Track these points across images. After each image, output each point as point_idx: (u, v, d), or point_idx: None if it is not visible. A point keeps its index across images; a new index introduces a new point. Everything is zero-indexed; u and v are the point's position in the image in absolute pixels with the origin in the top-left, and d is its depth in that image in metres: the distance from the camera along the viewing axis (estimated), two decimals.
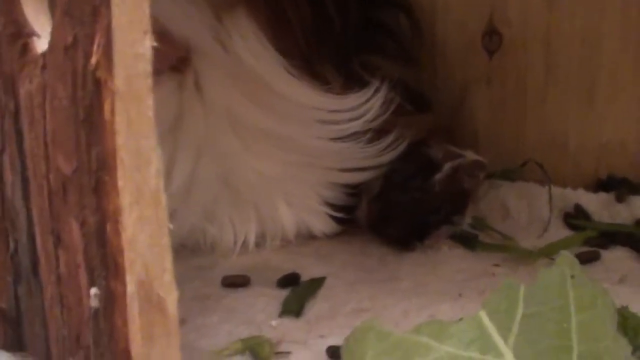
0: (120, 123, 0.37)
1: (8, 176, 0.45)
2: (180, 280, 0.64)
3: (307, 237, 0.72)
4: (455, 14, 0.82)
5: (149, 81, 0.37)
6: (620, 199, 0.73)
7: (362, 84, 0.71)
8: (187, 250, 0.70)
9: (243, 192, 0.69)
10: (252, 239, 0.70)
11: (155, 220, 0.39)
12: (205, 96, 0.65)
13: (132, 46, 0.36)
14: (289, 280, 0.63)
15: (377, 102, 0.70)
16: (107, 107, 0.36)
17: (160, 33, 0.63)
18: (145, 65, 0.37)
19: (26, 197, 0.44)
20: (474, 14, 0.81)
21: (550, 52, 0.77)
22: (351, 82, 0.72)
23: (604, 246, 0.68)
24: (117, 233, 0.38)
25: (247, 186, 0.69)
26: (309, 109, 0.69)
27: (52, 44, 0.39)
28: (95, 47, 0.36)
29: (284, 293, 0.61)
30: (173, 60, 0.64)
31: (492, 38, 0.80)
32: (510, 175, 0.79)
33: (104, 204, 0.38)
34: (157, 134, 0.38)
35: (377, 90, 0.70)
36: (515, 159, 0.80)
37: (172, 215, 0.65)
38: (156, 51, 0.61)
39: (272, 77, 0.68)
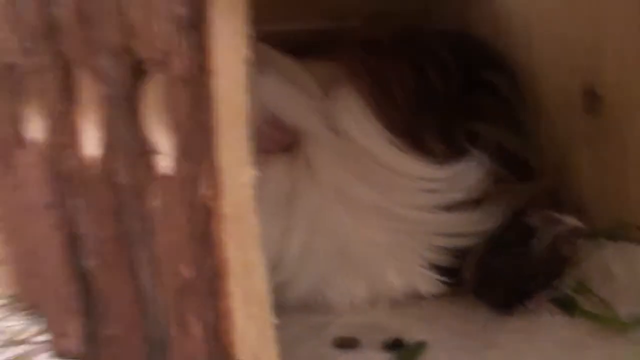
0: (228, 240, 0.44)
1: (143, 270, 0.53)
2: (297, 339, 0.72)
3: (415, 297, 0.78)
4: (554, 76, 0.86)
5: (253, 204, 0.44)
6: None
7: (464, 152, 0.77)
8: (305, 309, 0.76)
9: (355, 259, 0.75)
10: (364, 300, 0.76)
11: (261, 317, 0.46)
12: (315, 174, 0.73)
13: (237, 178, 0.43)
14: (394, 345, 0.69)
15: (478, 172, 0.75)
16: (216, 227, 0.44)
17: (271, 120, 0.71)
18: (249, 192, 0.44)
19: (156, 288, 0.52)
20: (573, 75, 0.84)
21: None
22: (454, 150, 0.78)
23: None
24: (229, 330, 0.45)
25: (359, 254, 0.75)
26: (412, 179, 0.76)
27: (171, 174, 0.46)
28: (206, 180, 0.43)
29: (389, 356, 0.67)
30: (284, 144, 0.72)
31: (591, 99, 0.83)
32: (613, 235, 0.82)
33: (218, 305, 0.45)
34: (263, 240, 0.45)
35: (479, 160, 0.75)
36: (619, 219, 0.82)
37: (292, 280, 0.73)
38: (268, 136, 0.69)
39: (377, 151, 0.75)
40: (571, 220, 0.77)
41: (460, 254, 0.77)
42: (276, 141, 0.72)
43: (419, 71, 0.81)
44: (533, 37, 0.89)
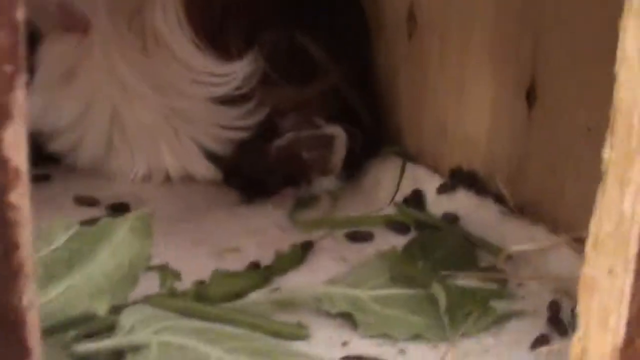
0: None
1: None
2: None
3: (190, 180, 0.88)
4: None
5: None
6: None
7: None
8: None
9: (131, 136, 0.85)
10: (142, 174, 0.87)
11: None
12: (94, 58, 0.83)
13: None
14: (118, 207, 0.80)
15: (247, 70, 0.82)
16: None
17: (62, 4, 0.82)
18: None
19: None
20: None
21: None
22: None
23: (400, 231, 0.75)
24: None
25: (134, 132, 0.85)
26: (193, 71, 0.84)
27: None
28: None
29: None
30: (71, 26, 0.83)
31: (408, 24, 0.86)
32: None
33: None
34: None
35: (251, 60, 0.82)
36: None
37: (75, 148, 0.85)
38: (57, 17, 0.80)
39: (173, 45, 0.84)
40: (334, 130, 0.83)
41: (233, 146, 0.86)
42: (64, 23, 0.83)
43: None
44: None
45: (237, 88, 0.83)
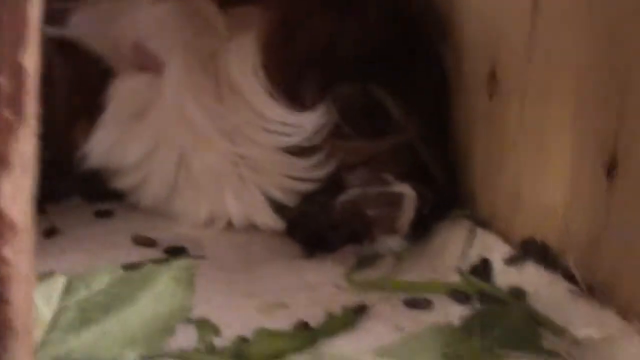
0: None
1: None
2: None
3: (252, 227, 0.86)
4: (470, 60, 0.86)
5: None
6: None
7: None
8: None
9: (196, 180, 0.84)
10: (204, 218, 0.86)
11: None
12: (165, 99, 0.82)
13: None
14: (175, 250, 0.79)
15: (318, 122, 0.80)
16: None
17: (136, 45, 0.82)
18: None
19: None
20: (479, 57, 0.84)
21: None
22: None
23: (461, 302, 0.71)
24: None
25: (199, 176, 0.84)
26: (265, 120, 0.82)
27: None
28: None
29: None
30: (145, 66, 0.83)
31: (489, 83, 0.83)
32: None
33: None
34: None
35: (323, 112, 0.80)
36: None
37: (139, 187, 0.85)
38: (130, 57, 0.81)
39: (247, 92, 0.83)
40: (403, 188, 0.80)
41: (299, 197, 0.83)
42: (138, 62, 0.83)
43: (339, 25, 0.86)
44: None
45: (307, 139, 0.81)
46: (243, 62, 0.83)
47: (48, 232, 0.81)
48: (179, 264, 0.59)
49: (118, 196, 0.89)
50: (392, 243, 0.80)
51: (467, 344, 0.59)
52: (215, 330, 0.58)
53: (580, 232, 0.69)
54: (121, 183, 0.86)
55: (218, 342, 0.58)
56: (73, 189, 0.91)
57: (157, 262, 0.64)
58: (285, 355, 0.58)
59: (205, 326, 0.58)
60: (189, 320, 0.58)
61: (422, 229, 0.82)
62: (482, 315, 0.65)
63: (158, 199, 0.86)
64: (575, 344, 0.61)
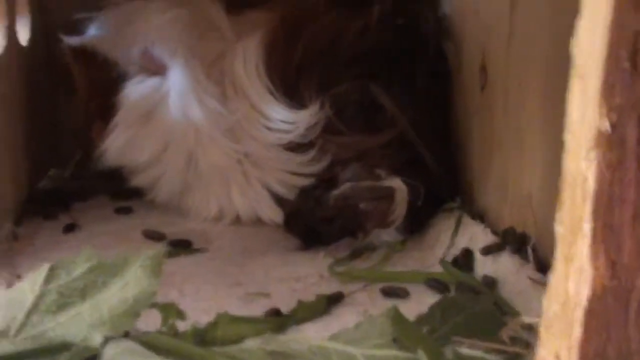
0: None
1: None
2: None
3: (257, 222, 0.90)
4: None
5: None
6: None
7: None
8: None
9: (204, 177, 0.89)
10: (213, 214, 0.90)
11: None
12: (170, 101, 0.87)
13: None
14: (178, 243, 0.84)
15: (313, 119, 0.84)
16: None
17: (144, 52, 0.87)
18: None
19: None
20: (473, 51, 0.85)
21: None
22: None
23: (439, 291, 0.72)
24: None
25: (206, 173, 0.89)
26: (266, 118, 0.86)
27: None
28: None
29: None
30: (153, 71, 0.88)
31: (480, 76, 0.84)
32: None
33: None
34: None
35: (317, 109, 0.83)
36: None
37: (153, 185, 0.90)
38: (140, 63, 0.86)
39: (249, 91, 0.87)
40: (394, 182, 0.82)
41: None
42: (146, 67, 0.89)
43: (342, 26, 0.89)
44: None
45: (303, 135, 0.84)
46: (247, 63, 0.87)
47: (68, 228, 0.88)
48: (148, 254, 0.63)
49: (138, 194, 0.95)
50: (385, 236, 0.83)
51: (419, 330, 0.61)
52: (180, 315, 0.62)
53: (549, 221, 0.69)
54: (137, 181, 0.92)
55: (183, 326, 0.62)
56: (98, 188, 0.98)
57: None
58: (243, 339, 0.61)
59: (170, 310, 0.63)
60: (153, 305, 0.62)
61: (416, 222, 0.84)
62: (447, 303, 0.67)
63: (172, 195, 0.91)
64: (529, 331, 0.62)
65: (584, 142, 0.41)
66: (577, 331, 0.42)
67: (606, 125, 0.39)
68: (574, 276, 0.42)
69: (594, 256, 0.41)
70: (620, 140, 0.40)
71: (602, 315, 0.41)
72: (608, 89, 0.39)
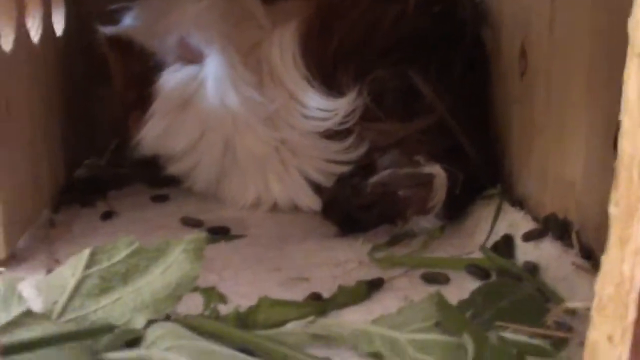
0: None
1: None
2: None
3: (294, 209, 0.90)
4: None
5: None
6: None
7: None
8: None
9: (241, 165, 0.89)
10: (251, 201, 0.90)
11: None
12: (207, 89, 0.87)
13: None
14: (218, 230, 0.84)
15: (350, 106, 0.83)
16: None
17: (180, 41, 0.87)
18: None
19: None
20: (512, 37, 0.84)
21: None
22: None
23: (480, 277, 0.72)
24: None
25: (244, 161, 0.89)
26: (304, 106, 0.86)
27: None
28: None
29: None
30: (190, 59, 0.88)
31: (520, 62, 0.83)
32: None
33: None
34: None
35: (355, 97, 0.83)
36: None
37: (191, 172, 0.90)
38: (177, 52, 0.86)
39: (285, 77, 0.87)
40: (433, 169, 0.81)
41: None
42: (183, 56, 0.89)
43: (379, 15, 0.89)
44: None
45: (340, 123, 0.84)
46: (284, 52, 0.87)
47: (105, 215, 0.88)
48: (190, 239, 0.63)
49: (175, 182, 0.95)
50: (425, 223, 0.82)
51: (463, 315, 0.61)
52: (222, 298, 0.62)
53: (593, 207, 0.69)
54: (174, 169, 0.92)
55: (225, 310, 0.62)
56: (134, 176, 0.98)
57: None
58: (285, 323, 0.61)
59: (211, 294, 0.63)
60: (195, 290, 0.62)
61: (455, 209, 0.83)
62: (489, 288, 0.66)
63: (208, 183, 0.92)
64: (572, 316, 0.61)
65: None
66: (632, 313, 0.41)
67: None
68: (629, 258, 0.41)
69: None
70: None
71: None
72: None
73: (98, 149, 1.07)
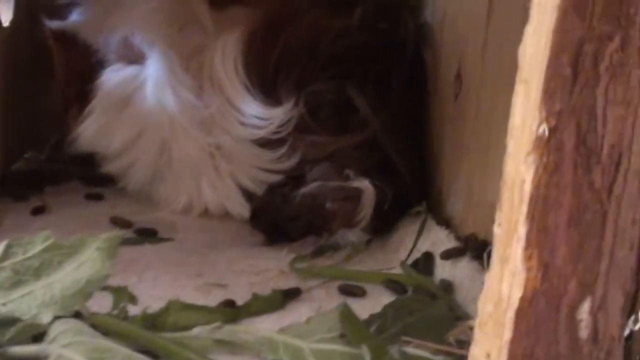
0: None
1: None
2: None
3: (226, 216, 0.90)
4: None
5: None
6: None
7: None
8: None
9: (176, 168, 0.89)
10: (183, 205, 0.91)
11: None
12: (146, 89, 0.88)
13: None
14: (145, 231, 0.84)
15: (280, 115, 0.84)
16: None
17: (123, 41, 0.88)
18: None
19: None
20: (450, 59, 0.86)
21: None
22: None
23: (396, 292, 0.73)
24: None
25: (178, 164, 0.89)
26: (240, 113, 0.86)
27: None
28: None
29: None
30: (131, 59, 0.89)
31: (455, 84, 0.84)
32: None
33: None
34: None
35: (290, 107, 0.84)
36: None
37: (126, 172, 0.90)
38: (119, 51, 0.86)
39: (224, 83, 0.88)
40: (362, 184, 0.82)
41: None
42: (125, 56, 0.89)
43: (323, 25, 0.89)
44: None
45: (275, 132, 0.85)
46: (226, 58, 0.88)
47: (35, 211, 0.88)
48: (105, 237, 0.63)
49: (110, 181, 0.95)
50: (351, 236, 0.83)
51: (366, 327, 0.62)
52: (132, 299, 0.63)
53: None
54: (109, 168, 0.92)
55: (136, 311, 0.63)
56: (72, 173, 0.98)
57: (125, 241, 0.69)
58: (191, 327, 0.61)
59: (122, 294, 0.63)
60: (105, 289, 0.62)
61: (382, 224, 0.84)
62: (401, 303, 0.67)
63: (143, 184, 0.92)
64: None
65: (523, 145, 0.41)
66: (508, 332, 0.42)
67: (545, 130, 0.40)
68: (507, 278, 0.42)
69: (527, 258, 0.41)
70: (558, 145, 0.40)
71: (532, 318, 0.42)
72: (549, 94, 0.40)
73: (40, 142, 1.06)
